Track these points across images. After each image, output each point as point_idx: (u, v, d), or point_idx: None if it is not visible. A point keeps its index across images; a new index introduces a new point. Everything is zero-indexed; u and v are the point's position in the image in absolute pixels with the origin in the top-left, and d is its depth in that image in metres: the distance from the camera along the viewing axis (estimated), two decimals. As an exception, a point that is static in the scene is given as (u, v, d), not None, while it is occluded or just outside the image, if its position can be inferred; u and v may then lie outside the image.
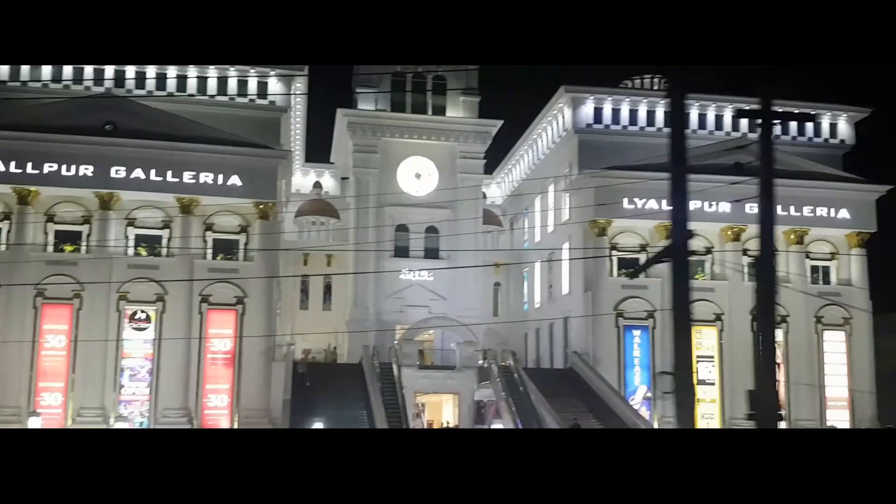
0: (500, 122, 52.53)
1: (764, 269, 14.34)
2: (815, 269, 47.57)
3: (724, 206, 45.07)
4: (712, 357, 44.78)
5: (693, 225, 49.35)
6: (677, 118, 12.87)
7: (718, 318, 45.25)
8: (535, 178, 53.93)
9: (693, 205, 44.13)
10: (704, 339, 44.92)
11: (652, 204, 44.95)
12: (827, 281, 47.42)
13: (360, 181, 51.34)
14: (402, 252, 51.48)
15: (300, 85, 46.16)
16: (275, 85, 44.11)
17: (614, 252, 45.76)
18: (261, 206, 41.10)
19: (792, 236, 46.30)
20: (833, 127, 49.90)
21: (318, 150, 60.07)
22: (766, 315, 14.14)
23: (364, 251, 50.09)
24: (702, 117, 48.47)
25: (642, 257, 46.12)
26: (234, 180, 40.47)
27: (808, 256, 47.13)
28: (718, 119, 48.37)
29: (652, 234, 45.63)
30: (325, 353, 49.23)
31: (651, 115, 48.32)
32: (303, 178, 59.19)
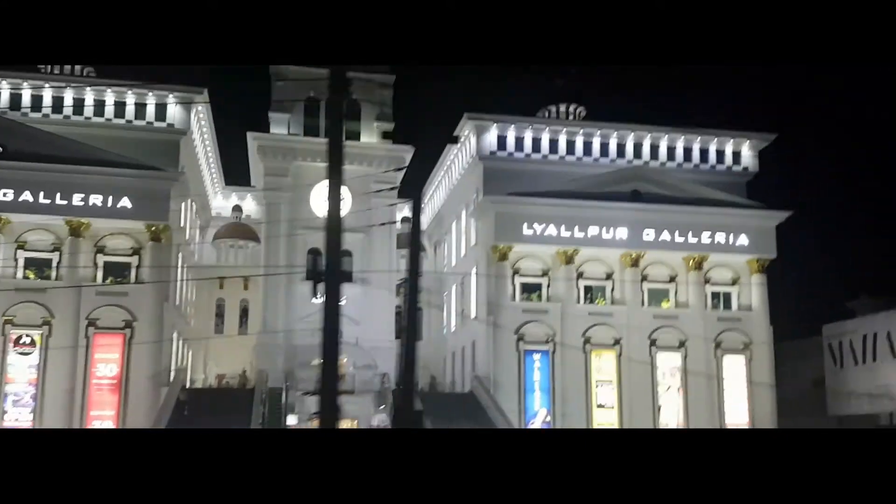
0: (412, 148, 52.83)
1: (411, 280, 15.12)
2: (716, 295, 48.03)
3: (622, 233, 45.59)
4: (611, 381, 44.96)
5: (594, 251, 49.55)
6: (335, 136, 13.13)
7: (617, 342, 45.52)
8: (450, 202, 54.28)
9: (592, 231, 44.55)
10: (604, 364, 45.14)
11: (551, 229, 45.38)
12: (728, 307, 47.89)
13: (272, 205, 51.31)
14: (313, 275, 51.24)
15: (201, 108, 46.23)
16: (174, 108, 44.22)
17: (516, 276, 46.00)
18: (153, 229, 40.94)
19: (690, 262, 46.80)
20: (736, 154, 50.63)
21: (242, 173, 60.05)
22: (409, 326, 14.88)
23: (274, 275, 49.91)
24: (587, 145, 48.92)
25: (545, 282, 46.45)
26: (125, 202, 40.34)
27: (707, 282, 47.61)
28: (620, 148, 48.89)
29: (554, 259, 45.91)
30: (238, 377, 48.91)
31: (554, 143, 48.74)
32: (224, 202, 59.21)
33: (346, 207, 53.58)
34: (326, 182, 51.05)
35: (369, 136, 53.48)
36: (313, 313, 50.42)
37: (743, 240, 46.89)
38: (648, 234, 45.67)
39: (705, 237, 46.52)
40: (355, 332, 49.99)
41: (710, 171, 50.07)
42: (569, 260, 45.56)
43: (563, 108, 56.22)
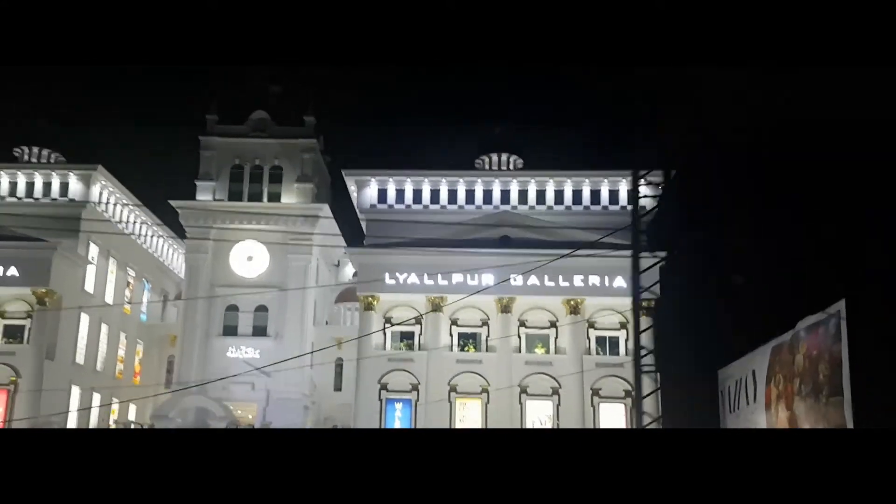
0: (324, 206, 55.00)
1: None
2: (601, 340, 46.26)
3: (488, 279, 45.25)
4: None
5: (472, 298, 50.13)
6: None
7: (484, 390, 44.77)
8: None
9: (456, 278, 44.91)
10: (469, 412, 44.50)
11: (413, 278, 45.81)
12: (615, 352, 45.93)
13: (192, 266, 54.86)
14: (230, 331, 54.18)
15: (103, 181, 50.84)
16: (75, 184, 49.13)
17: (388, 326, 46.59)
18: (37, 293, 45.35)
19: (566, 307, 45.52)
20: (630, 194, 48.84)
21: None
22: None
23: (192, 330, 53.19)
24: (469, 193, 48.95)
25: (417, 329, 46.69)
26: (13, 271, 45.07)
27: (592, 327, 46.03)
28: (487, 194, 48.75)
29: (426, 305, 46.17)
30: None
31: (436, 193, 49.37)
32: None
33: (263, 265, 56.72)
34: (244, 242, 54.12)
35: (289, 197, 56.25)
36: (227, 367, 53.63)
37: (620, 282, 45.11)
38: (516, 280, 45.01)
39: (578, 280, 45.22)
40: (267, 385, 52.34)
41: (602, 211, 48.75)
42: (436, 307, 45.67)
43: (503, 157, 56.67)
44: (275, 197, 56.40)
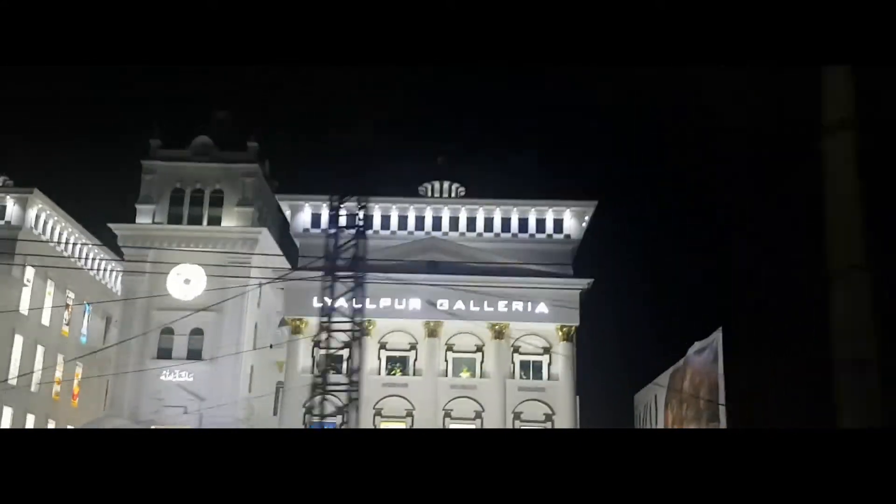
0: (263, 229, 55.74)
1: None
2: (525, 365, 47.20)
3: (415, 303, 46.13)
4: (398, 454, 44.72)
5: (401, 323, 50.55)
6: None
7: (409, 413, 45.47)
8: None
9: (384, 302, 45.55)
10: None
11: (341, 301, 46.52)
12: (539, 376, 46.87)
13: (128, 288, 55.23)
14: (165, 354, 54.46)
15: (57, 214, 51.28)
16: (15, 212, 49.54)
17: (316, 349, 47.20)
18: None
19: (491, 332, 46.47)
20: (558, 223, 50.21)
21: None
22: None
23: (126, 353, 53.40)
24: (384, 219, 50.03)
25: (346, 353, 47.31)
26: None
27: (516, 351, 47.00)
28: (420, 219, 49.82)
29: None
30: None
31: (369, 219, 50.29)
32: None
33: (200, 288, 56.80)
34: (182, 265, 54.11)
35: (230, 220, 56.92)
36: (160, 390, 53.85)
37: (543, 308, 46.18)
38: (442, 304, 45.95)
39: (502, 306, 46.23)
40: (200, 409, 52.59)
41: (529, 239, 49.90)
42: (364, 332, 46.36)
43: (445, 184, 57.81)
44: (215, 221, 57.02)
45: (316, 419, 45.51)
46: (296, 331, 46.95)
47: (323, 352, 47.59)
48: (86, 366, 59.29)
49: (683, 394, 30.98)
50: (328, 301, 46.68)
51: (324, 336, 47.49)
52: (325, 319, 46.92)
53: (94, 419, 51.81)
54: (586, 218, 50.36)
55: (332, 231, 49.98)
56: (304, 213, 50.46)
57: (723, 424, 27.05)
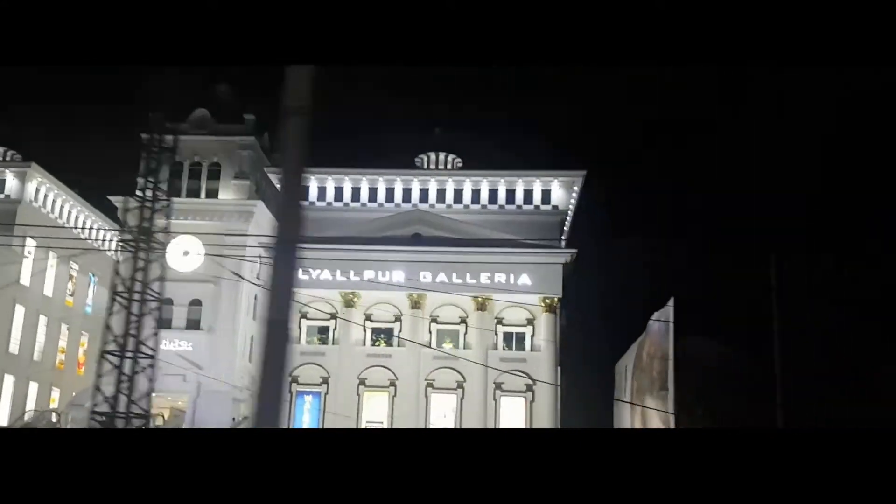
0: (259, 202, 56.45)
1: None
2: (508, 336, 47.45)
3: (398, 276, 46.55)
4: (382, 422, 45.53)
5: (385, 295, 51.39)
6: None
7: (392, 383, 46.11)
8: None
9: (367, 274, 46.18)
10: (376, 405, 45.86)
11: (326, 274, 47.19)
12: (521, 347, 47.11)
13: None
14: (165, 324, 55.65)
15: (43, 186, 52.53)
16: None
17: (304, 320, 48.04)
18: None
19: (475, 303, 46.74)
20: (546, 194, 50.02)
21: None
22: None
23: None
24: (371, 191, 50.35)
25: (332, 324, 48.12)
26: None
27: (500, 322, 47.25)
28: (407, 192, 50.03)
29: (340, 301, 47.54)
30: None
31: (356, 191, 50.81)
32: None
33: (198, 260, 57.85)
34: (180, 237, 55.25)
35: (227, 193, 57.75)
36: (160, 359, 55.09)
37: (525, 279, 46.26)
38: (426, 276, 46.30)
39: (484, 278, 46.42)
40: (198, 377, 53.91)
41: (516, 210, 49.86)
42: (349, 303, 47.06)
43: (441, 156, 57.97)
44: (213, 193, 57.92)
45: (303, 388, 46.74)
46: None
47: (311, 323, 48.74)
48: (92, 336, 61.01)
49: (643, 363, 31.17)
50: (313, 273, 47.53)
51: (312, 307, 48.55)
52: (313, 290, 47.83)
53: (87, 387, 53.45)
54: (575, 188, 50.11)
55: (325, 204, 50.86)
56: (309, 186, 51.01)
57: (671, 394, 27.16)
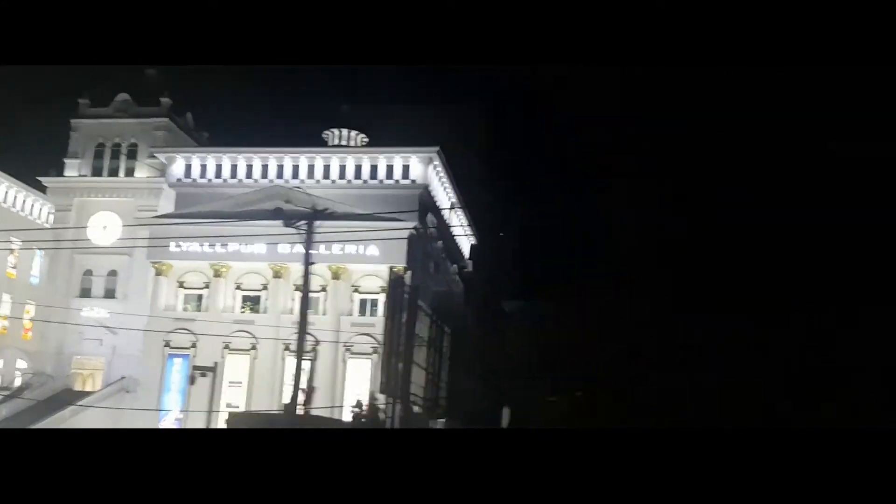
0: (163, 180, 61.03)
1: None
2: (363, 302, 50.80)
3: (261, 248, 50.34)
4: (241, 382, 49.79)
5: (249, 265, 55.37)
6: None
7: (254, 347, 50.17)
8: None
9: (232, 246, 50.55)
10: (238, 367, 50.10)
11: (195, 246, 51.34)
12: (374, 313, 50.44)
13: (56, 235, 62.04)
14: (86, 293, 61.31)
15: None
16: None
17: (181, 289, 52.57)
18: None
19: (331, 272, 50.20)
20: (406, 168, 52.68)
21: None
22: None
23: (53, 293, 60.58)
24: (265, 168, 53.84)
25: (205, 293, 52.44)
26: None
27: (357, 290, 50.64)
28: (265, 168, 53.53)
29: (211, 272, 51.75)
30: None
31: (234, 168, 54.61)
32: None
33: (116, 234, 63.18)
34: (100, 213, 60.42)
35: (142, 172, 62.47)
36: (82, 325, 60.71)
37: (374, 250, 49.41)
38: (284, 248, 49.92)
39: (337, 249, 49.75)
40: (113, 342, 59.29)
41: (379, 185, 52.74)
42: (218, 273, 51.23)
43: (345, 132, 61.41)
44: (131, 172, 62.83)
45: (173, 351, 51.34)
46: (159, 272, 52.29)
47: (187, 291, 53.23)
48: (38, 305, 67.17)
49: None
50: (185, 245, 51.81)
51: (188, 277, 52.97)
52: (190, 262, 52.24)
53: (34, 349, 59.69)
54: (435, 163, 52.68)
55: (207, 181, 54.85)
56: (178, 164, 55.17)
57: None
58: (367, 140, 60.32)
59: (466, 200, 58.54)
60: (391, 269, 49.29)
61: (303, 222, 28.53)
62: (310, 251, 28.40)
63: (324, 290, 50.91)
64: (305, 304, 28.92)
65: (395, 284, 33.24)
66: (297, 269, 50.61)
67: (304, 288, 28.41)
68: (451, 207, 55.04)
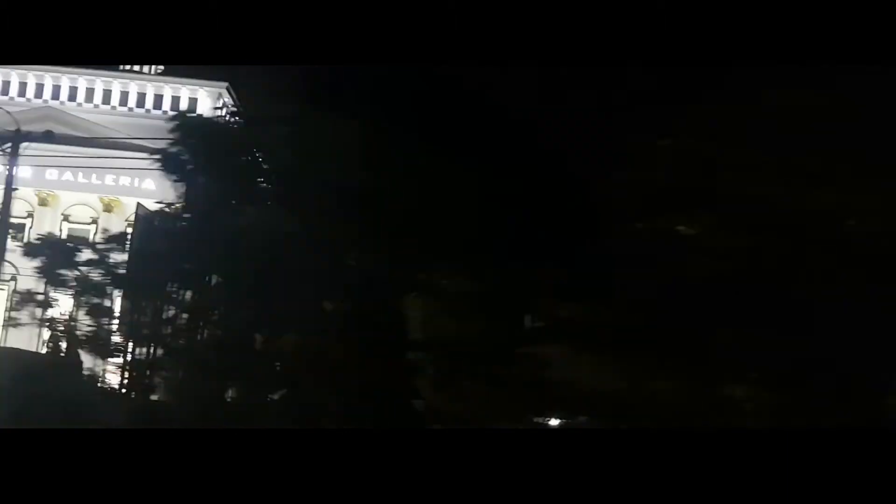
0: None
1: None
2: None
3: (24, 172, 47.20)
4: (-2, 316, 47.33)
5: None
6: None
7: (14, 278, 47.60)
8: None
9: (-2, 169, 45.23)
10: (-1, 301, 47.54)
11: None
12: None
13: None
14: None
15: None
16: None
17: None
18: None
19: (103, 204, 48.39)
20: (193, 101, 51.08)
21: None
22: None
23: None
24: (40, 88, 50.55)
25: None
26: None
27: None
28: (56, 88, 50.33)
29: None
30: None
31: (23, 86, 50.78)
32: None
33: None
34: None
35: None
36: None
37: (149, 184, 47.78)
38: (52, 175, 47.22)
39: (110, 180, 47.75)
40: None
41: (163, 116, 50.57)
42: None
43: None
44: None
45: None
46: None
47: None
48: None
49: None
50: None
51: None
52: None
53: None
54: (223, 100, 51.27)
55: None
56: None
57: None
58: (161, 68, 57.54)
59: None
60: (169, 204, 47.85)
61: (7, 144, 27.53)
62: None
63: (94, 223, 48.80)
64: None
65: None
66: (69, 199, 48.52)
67: (4, 214, 27.48)
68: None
